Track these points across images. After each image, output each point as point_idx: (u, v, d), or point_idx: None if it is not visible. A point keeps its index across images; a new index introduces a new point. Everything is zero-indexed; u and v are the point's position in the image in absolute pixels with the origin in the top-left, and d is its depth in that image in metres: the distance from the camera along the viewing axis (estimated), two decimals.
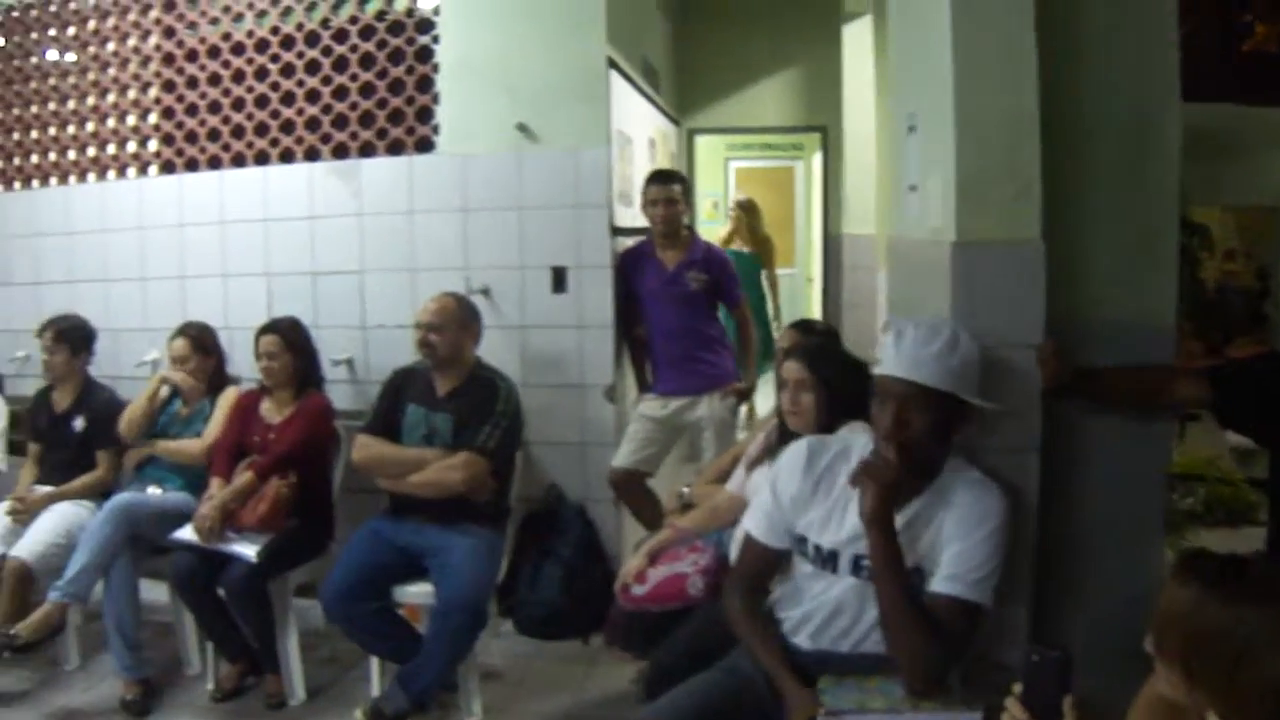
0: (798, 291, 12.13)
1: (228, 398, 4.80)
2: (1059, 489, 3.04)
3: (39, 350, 5.05)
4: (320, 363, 4.83)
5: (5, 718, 4.35)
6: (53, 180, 5.99)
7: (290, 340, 4.64)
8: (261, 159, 5.40)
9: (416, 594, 4.20)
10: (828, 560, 2.76)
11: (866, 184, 7.93)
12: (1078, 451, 3.09)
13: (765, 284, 8.67)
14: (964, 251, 2.95)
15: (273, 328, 4.68)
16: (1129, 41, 3.12)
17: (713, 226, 11.45)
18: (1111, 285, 3.11)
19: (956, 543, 2.60)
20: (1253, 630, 1.63)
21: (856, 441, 2.87)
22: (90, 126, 5.89)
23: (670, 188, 5.11)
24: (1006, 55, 2.92)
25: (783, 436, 3.46)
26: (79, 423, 4.94)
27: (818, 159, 9.15)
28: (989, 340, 2.86)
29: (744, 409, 6.09)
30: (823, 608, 2.78)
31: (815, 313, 9.68)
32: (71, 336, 5.00)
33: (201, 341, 4.90)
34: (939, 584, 2.59)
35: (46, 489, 4.84)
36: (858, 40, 7.97)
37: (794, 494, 2.80)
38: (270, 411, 4.65)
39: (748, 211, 8.84)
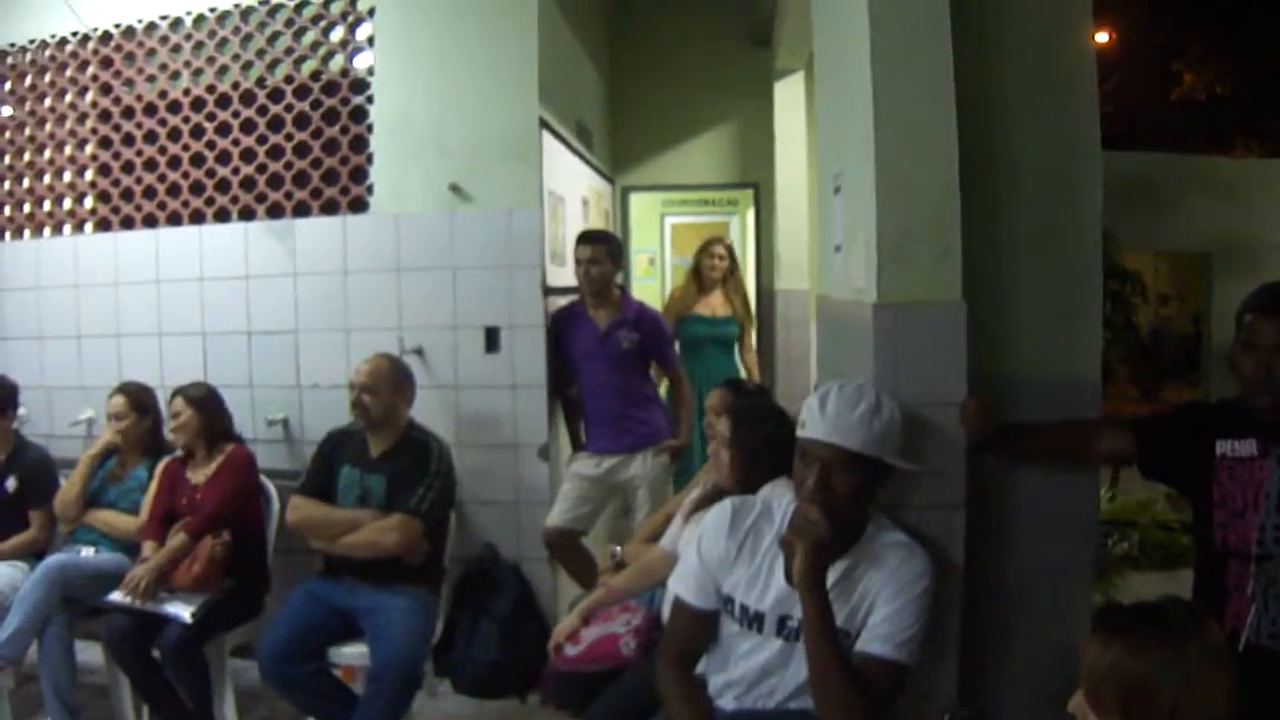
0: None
1: (160, 469, 4.78)
2: (986, 543, 3.09)
3: None
4: (231, 419, 4.83)
5: None
6: None
7: (191, 399, 4.67)
8: (197, 218, 5.42)
9: (352, 655, 4.23)
10: (754, 621, 2.79)
11: (799, 240, 7.94)
12: (1004, 506, 3.15)
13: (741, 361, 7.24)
14: (885, 312, 3.00)
15: (179, 391, 4.73)
16: (1049, 100, 3.21)
17: (649, 284, 11.45)
18: (1036, 341, 3.18)
19: (885, 605, 2.64)
20: (1182, 666, 1.74)
21: (779, 500, 2.91)
22: (26, 182, 5.87)
23: (596, 248, 5.16)
24: (927, 117, 2.99)
25: (718, 490, 3.53)
26: (10, 483, 4.89)
27: (752, 215, 9.14)
28: (912, 399, 2.92)
29: None
30: (750, 671, 2.82)
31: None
32: None
33: (140, 400, 4.88)
34: (868, 644, 2.63)
35: None
36: (790, 97, 7.99)
37: (720, 554, 2.83)
38: (195, 473, 4.65)
39: (730, 254, 7.11)
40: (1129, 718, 1.78)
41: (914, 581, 2.66)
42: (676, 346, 5.95)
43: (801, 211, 7.79)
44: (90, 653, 4.75)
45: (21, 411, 5.41)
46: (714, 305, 7.02)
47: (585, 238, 5.27)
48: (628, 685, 3.44)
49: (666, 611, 3.12)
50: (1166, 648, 1.77)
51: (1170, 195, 9.18)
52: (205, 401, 4.71)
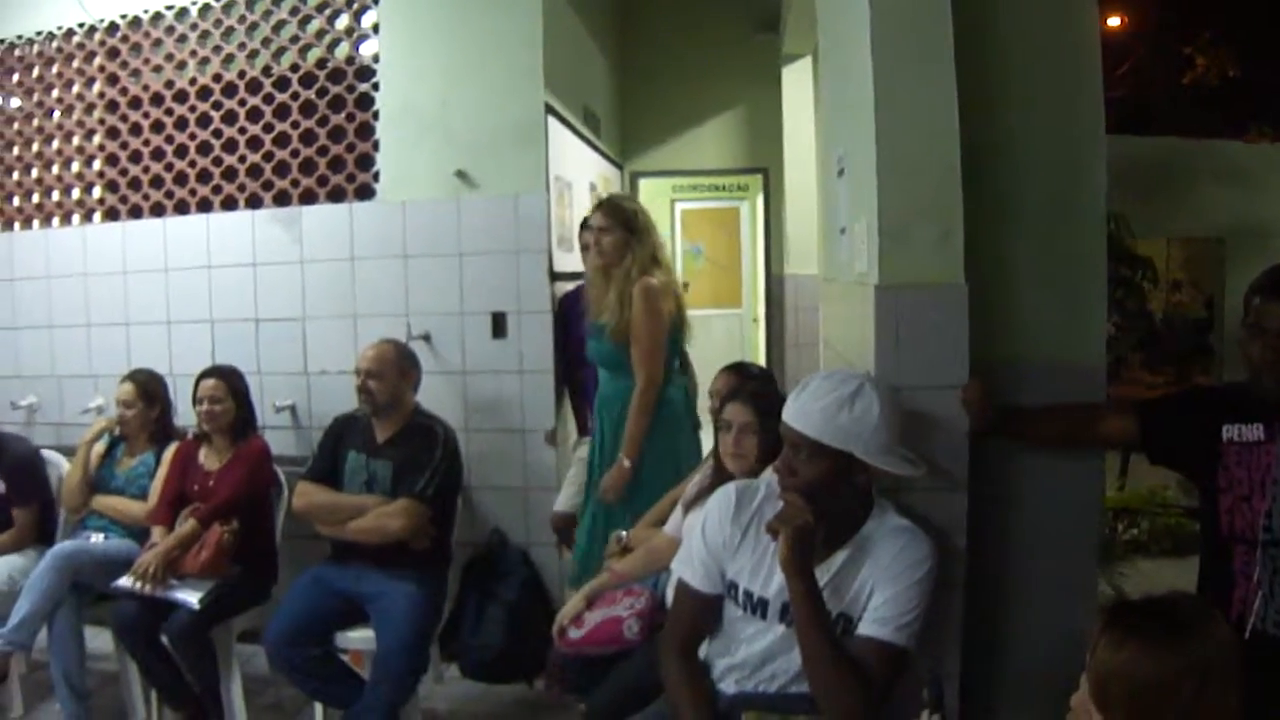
0: (745, 332, 12.30)
1: (170, 453, 4.80)
2: (990, 527, 3.10)
3: None
4: (256, 411, 4.86)
5: None
6: None
7: (232, 386, 4.68)
8: (204, 206, 5.44)
9: (358, 639, 4.23)
10: (757, 607, 2.79)
11: (808, 225, 7.84)
12: (1008, 489, 3.15)
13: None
14: (887, 294, 3.00)
15: (215, 372, 4.72)
16: (1053, 81, 3.20)
17: None
18: (1039, 324, 3.17)
19: (886, 589, 2.63)
20: (1198, 670, 1.70)
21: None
22: (35, 173, 5.91)
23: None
24: (928, 98, 2.99)
25: (719, 478, 3.47)
26: None
27: (761, 200, 9.11)
28: (914, 382, 2.93)
29: None
30: (753, 656, 2.82)
31: (760, 353, 9.63)
32: None
33: (148, 389, 4.89)
34: (866, 628, 2.62)
35: None
36: (797, 82, 7.98)
37: (723, 540, 2.83)
38: (209, 459, 4.66)
39: (622, 224, 4.55)
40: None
41: (915, 566, 2.65)
42: None
43: (810, 196, 7.68)
44: (100, 639, 4.77)
45: (32, 399, 5.48)
46: (604, 307, 4.59)
47: (587, 222, 5.19)
48: (631, 668, 3.45)
49: (670, 595, 3.12)
50: (1181, 650, 1.73)
51: (1183, 181, 9.13)
52: (243, 394, 4.75)
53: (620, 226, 4.52)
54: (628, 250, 4.51)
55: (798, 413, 2.67)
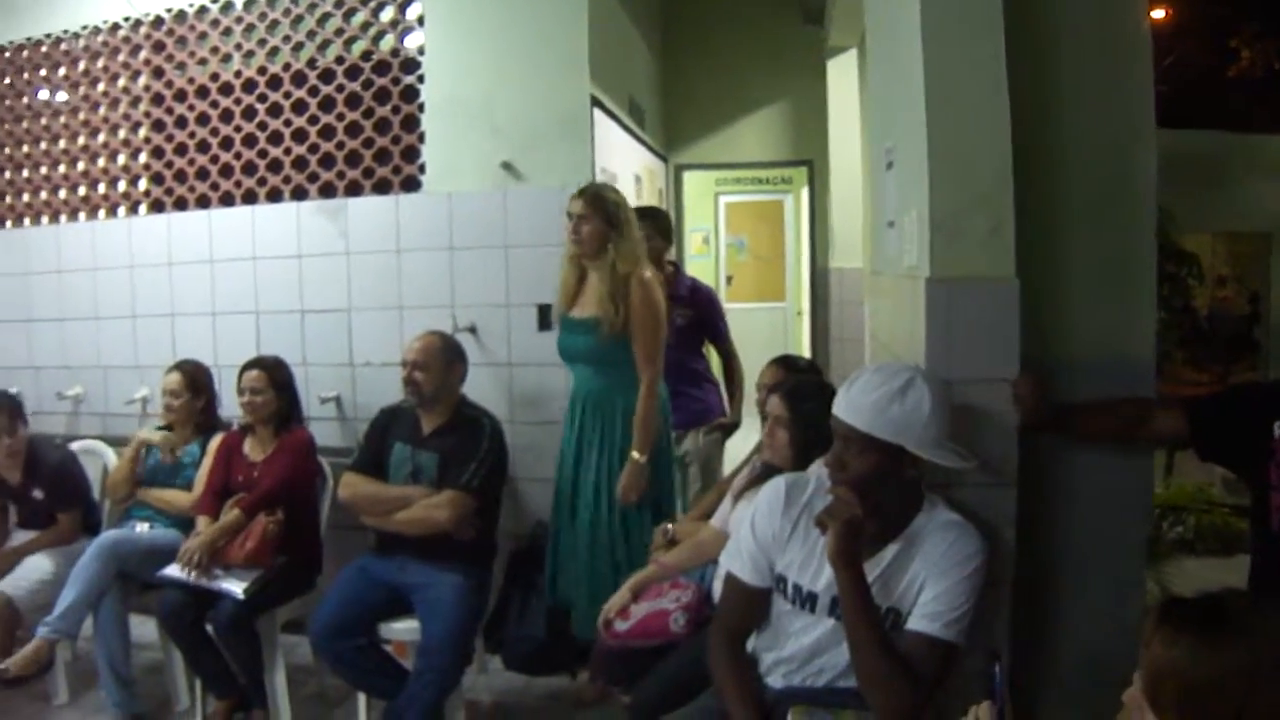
0: (788, 326, 12.30)
1: (215, 444, 4.81)
2: (1039, 523, 3.07)
3: None
4: (300, 402, 4.87)
5: None
6: (44, 219, 6.05)
7: (275, 377, 4.69)
8: (249, 198, 5.46)
9: (403, 630, 4.23)
10: (806, 601, 2.77)
11: (853, 218, 7.82)
12: (1057, 485, 3.12)
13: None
14: (938, 288, 2.97)
15: (258, 364, 4.73)
16: (1103, 76, 3.17)
17: (704, 262, 11.46)
18: (1088, 319, 3.15)
19: (935, 584, 2.61)
20: (1251, 669, 1.66)
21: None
22: (81, 165, 5.94)
23: (645, 224, 5.04)
24: (979, 91, 2.95)
25: (767, 470, 3.47)
26: (38, 493, 4.90)
27: (806, 193, 9.10)
28: (964, 376, 2.90)
29: None
30: (801, 650, 2.80)
31: (804, 347, 9.61)
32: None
33: (195, 380, 4.93)
34: (916, 623, 2.60)
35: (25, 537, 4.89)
36: (842, 74, 7.96)
37: (774, 533, 2.81)
38: (253, 450, 4.68)
39: (602, 215, 4.36)
40: (1186, 718, 1.74)
41: (965, 561, 2.62)
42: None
43: (856, 189, 7.70)
44: (145, 628, 4.82)
45: (78, 390, 5.52)
46: (585, 299, 4.51)
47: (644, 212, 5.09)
48: (677, 661, 3.44)
49: (717, 589, 3.11)
50: (1234, 648, 1.69)
51: (1229, 175, 9.05)
52: (286, 385, 4.76)
53: (600, 217, 4.36)
54: (607, 242, 4.36)
55: (848, 406, 2.65)
